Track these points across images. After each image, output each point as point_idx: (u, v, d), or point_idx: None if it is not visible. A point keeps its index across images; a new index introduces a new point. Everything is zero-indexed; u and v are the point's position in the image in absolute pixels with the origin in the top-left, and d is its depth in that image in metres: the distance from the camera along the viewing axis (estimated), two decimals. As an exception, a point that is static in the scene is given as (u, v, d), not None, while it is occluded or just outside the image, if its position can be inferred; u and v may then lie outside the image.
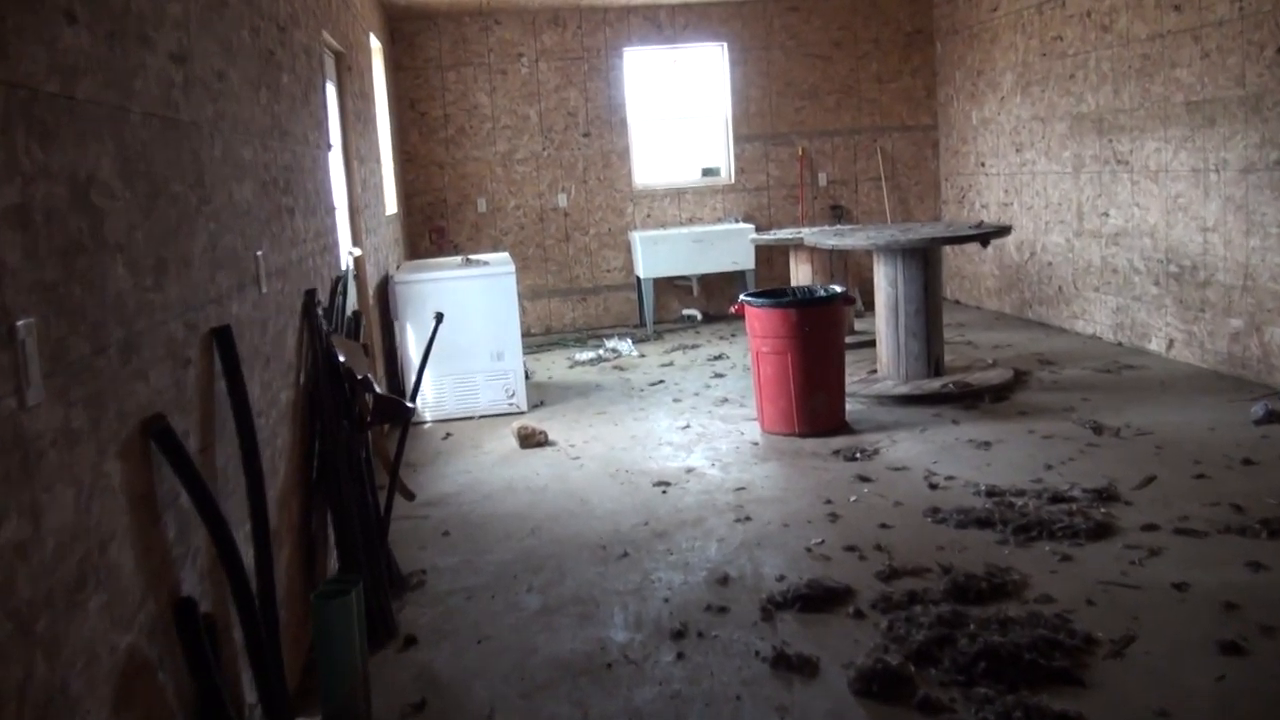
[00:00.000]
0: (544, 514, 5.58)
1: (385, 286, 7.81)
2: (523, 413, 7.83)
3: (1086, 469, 5.68)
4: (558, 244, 11.53)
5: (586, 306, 11.66)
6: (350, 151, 7.01)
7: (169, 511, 2.53)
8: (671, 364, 9.30)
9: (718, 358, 9.39)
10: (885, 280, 7.61)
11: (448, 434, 7.40)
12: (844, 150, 11.89)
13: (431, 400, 7.75)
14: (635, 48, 11.50)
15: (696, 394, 8.08)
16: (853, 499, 5.44)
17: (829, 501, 5.43)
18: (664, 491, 5.80)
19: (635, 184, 11.66)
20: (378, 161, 8.50)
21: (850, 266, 9.90)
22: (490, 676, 3.84)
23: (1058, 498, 5.23)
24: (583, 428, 7.31)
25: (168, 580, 2.48)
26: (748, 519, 5.27)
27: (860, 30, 11.76)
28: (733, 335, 10.55)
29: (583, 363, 9.59)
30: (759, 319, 6.67)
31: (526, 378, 8.77)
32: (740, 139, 11.72)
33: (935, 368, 7.68)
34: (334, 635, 3.29)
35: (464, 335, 7.68)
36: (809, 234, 8.23)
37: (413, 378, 7.51)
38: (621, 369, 9.25)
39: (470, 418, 7.78)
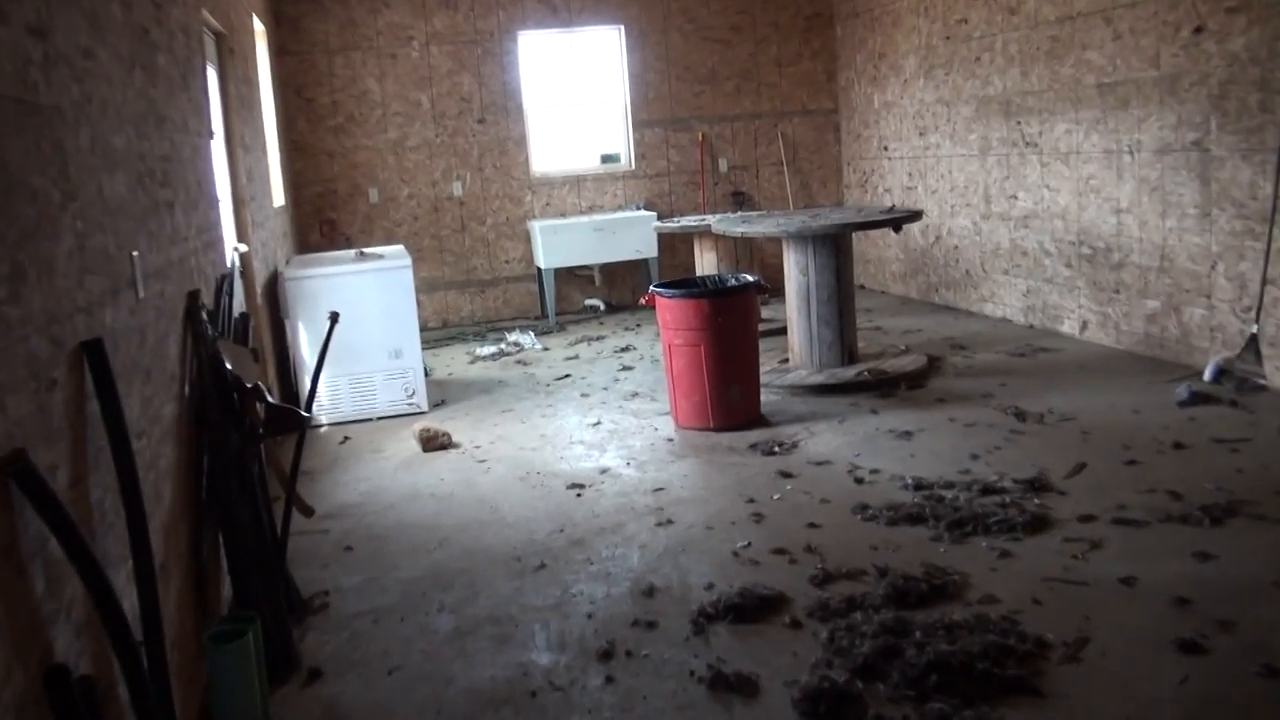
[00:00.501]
0: (452, 523, 5.26)
1: (274, 283, 7.40)
2: (424, 413, 7.48)
3: (1014, 458, 5.53)
4: (454, 234, 11.16)
5: (485, 299, 11.31)
6: (234, 140, 6.59)
7: (36, 561, 2.18)
8: (577, 357, 9.01)
9: (624, 349, 9.12)
10: (796, 268, 7.40)
11: (345, 438, 7.03)
12: (745, 135, 11.68)
13: (327, 402, 7.36)
14: (530, 31, 11.16)
15: (605, 388, 7.80)
16: (776, 497, 5.22)
17: (752, 500, 5.19)
18: (579, 495, 5.52)
19: (533, 172, 11.33)
20: (264, 151, 8.06)
21: (755, 253, 9.70)
22: (404, 712, 3.52)
23: (989, 489, 5.07)
24: (488, 427, 7.00)
25: (38, 644, 2.13)
26: (669, 522, 5.01)
27: (759, 14, 11.56)
28: (638, 325, 10.30)
29: (484, 358, 9.26)
30: (670, 311, 6.41)
31: (426, 375, 8.40)
32: (639, 124, 11.45)
33: (849, 356, 7.50)
34: (231, 681, 2.96)
35: (359, 333, 7.30)
36: (716, 221, 7.99)
37: (307, 381, 7.14)
38: (525, 364, 8.94)
39: (369, 419, 7.41)
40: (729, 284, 6.74)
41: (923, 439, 5.98)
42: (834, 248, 7.33)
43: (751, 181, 11.74)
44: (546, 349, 9.47)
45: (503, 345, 9.50)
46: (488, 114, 11.08)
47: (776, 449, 6.00)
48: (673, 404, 6.64)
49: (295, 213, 10.54)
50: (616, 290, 11.56)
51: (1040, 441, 5.80)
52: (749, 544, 4.66)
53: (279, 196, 9.34)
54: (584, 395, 7.63)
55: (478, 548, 4.90)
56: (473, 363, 9.17)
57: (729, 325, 6.34)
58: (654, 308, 6.62)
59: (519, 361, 9.02)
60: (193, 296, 4.30)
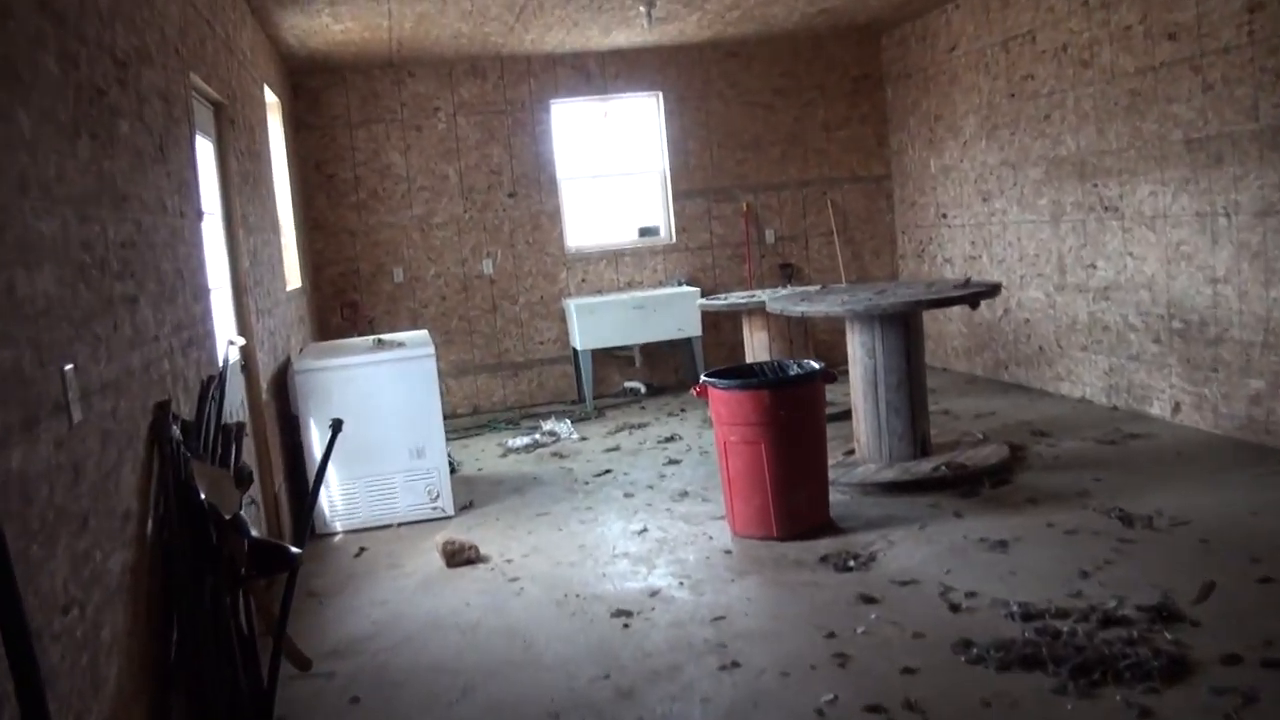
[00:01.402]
0: (477, 664, 4.47)
1: (284, 376, 6.69)
2: (449, 517, 6.73)
3: (1129, 575, 4.71)
4: (484, 315, 10.47)
5: (519, 383, 10.59)
6: (235, 219, 5.92)
7: None
8: (618, 448, 8.25)
9: (669, 439, 8.35)
10: (861, 349, 6.64)
11: (361, 549, 6.28)
12: (792, 204, 10.98)
13: (342, 508, 6.62)
14: (563, 100, 10.54)
15: (650, 486, 7.02)
16: (860, 630, 4.40)
17: (831, 635, 4.38)
18: (625, 625, 4.72)
19: (568, 247, 10.66)
20: (275, 231, 7.41)
21: (810, 331, 8.95)
22: None
23: (1109, 619, 4.25)
24: (520, 535, 6.23)
25: None
26: (734, 664, 4.20)
27: (804, 77, 10.90)
28: (682, 410, 9.53)
29: (517, 450, 8.51)
30: (726, 404, 5.65)
31: (453, 471, 7.69)
32: (680, 195, 10.77)
33: (922, 447, 6.71)
34: None
35: (377, 430, 6.58)
36: (771, 300, 7.25)
37: (320, 488, 6.40)
38: (561, 456, 8.18)
39: (388, 526, 6.66)
40: (791, 372, 5.98)
41: (1020, 551, 5.17)
42: (903, 328, 6.58)
43: (800, 253, 11.02)
44: (584, 439, 8.71)
45: (537, 436, 8.75)
46: (519, 187, 10.43)
47: (852, 563, 5.20)
48: (729, 509, 5.85)
49: (314, 296, 9.88)
50: (658, 372, 10.82)
51: (1155, 553, 4.97)
52: (835, 698, 3.85)
53: (294, 279, 8.69)
54: (627, 495, 6.86)
55: (507, 700, 4.11)
56: (504, 455, 8.43)
57: (794, 420, 5.58)
58: (705, 399, 5.86)
59: (555, 454, 8.26)
60: (161, 409, 3.59)
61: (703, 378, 5.83)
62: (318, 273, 10.10)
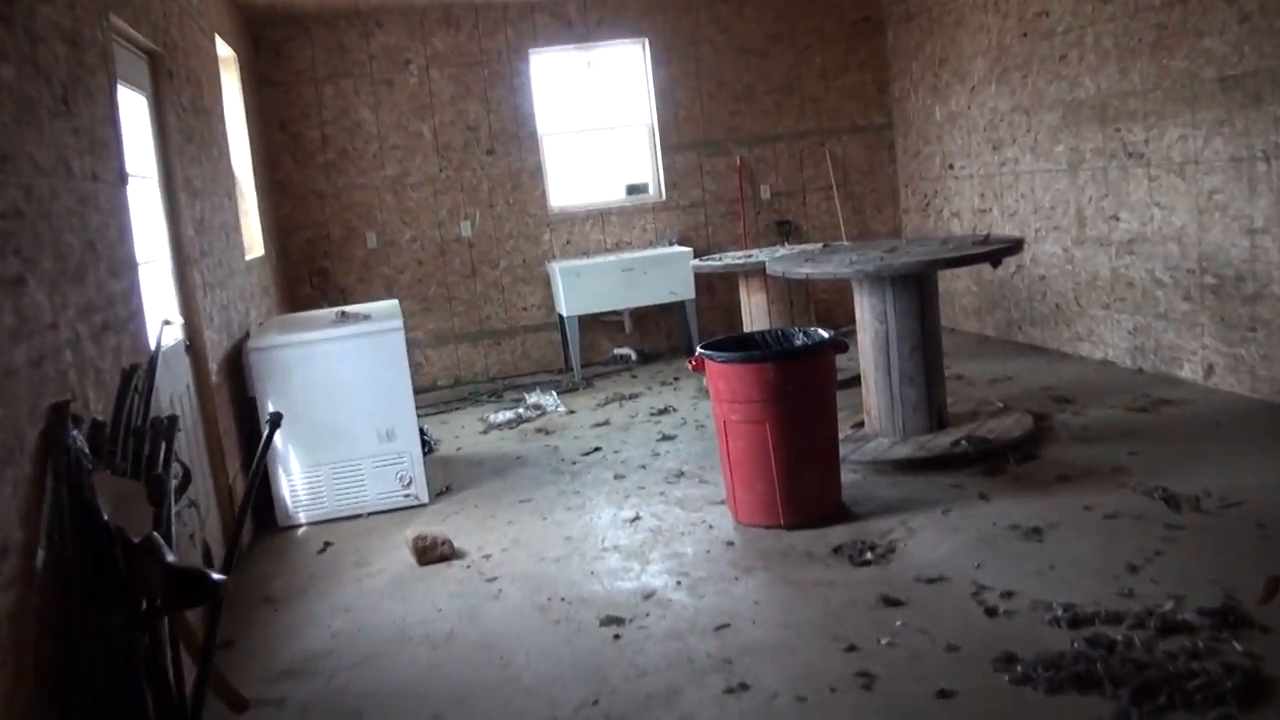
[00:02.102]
0: (448, 687, 3.91)
1: (240, 354, 6.09)
2: (423, 505, 6.16)
3: (1183, 569, 4.16)
4: (463, 280, 9.86)
5: (501, 352, 10.00)
6: (175, 183, 5.31)
7: None
8: (607, 423, 7.67)
9: (662, 411, 7.77)
10: (871, 314, 6.07)
11: (326, 544, 5.71)
12: (788, 157, 10.36)
13: (305, 498, 6.05)
14: (542, 49, 9.88)
15: (643, 466, 6.45)
16: (885, 641, 3.84)
17: (852, 648, 3.82)
18: (616, 636, 4.16)
19: (551, 206, 10.04)
20: (229, 195, 6.79)
21: (811, 292, 8.36)
22: None
23: (1168, 625, 3.70)
24: (500, 526, 5.66)
25: None
26: (743, 686, 3.64)
27: (799, 21, 10.25)
28: (676, 379, 8.95)
29: (499, 425, 7.93)
30: (725, 379, 5.07)
31: (430, 451, 7.14)
32: (669, 150, 10.14)
33: (938, 419, 6.15)
34: None
35: (342, 412, 6.01)
36: (772, 261, 6.64)
37: (284, 478, 5.86)
38: (547, 432, 7.60)
39: (357, 516, 6.09)
40: (798, 342, 5.39)
41: (1057, 540, 4.61)
42: (917, 290, 6.00)
43: (798, 209, 10.41)
44: (572, 412, 8.13)
45: (521, 410, 8.17)
46: (498, 144, 9.80)
47: (869, 556, 4.64)
48: (730, 495, 5.28)
49: (282, 263, 9.27)
50: (650, 337, 10.23)
51: (1208, 541, 4.42)
52: (862, 730, 3.30)
53: (257, 246, 8.08)
54: (618, 476, 6.29)
55: (480, 734, 3.56)
56: (486, 432, 7.85)
57: (801, 396, 5.00)
58: (701, 373, 5.28)
59: (540, 430, 7.68)
60: (58, 411, 3.00)
61: (698, 349, 5.24)
62: (285, 239, 9.49)
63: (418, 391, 9.54)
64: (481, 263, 9.86)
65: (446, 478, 6.67)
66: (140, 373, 3.90)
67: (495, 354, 9.97)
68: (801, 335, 5.43)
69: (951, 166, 9.64)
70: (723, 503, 5.49)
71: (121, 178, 4.20)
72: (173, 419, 4.00)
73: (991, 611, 3.97)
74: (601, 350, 10.15)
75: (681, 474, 6.19)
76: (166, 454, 3.81)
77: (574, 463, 6.71)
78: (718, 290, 10.14)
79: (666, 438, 7.02)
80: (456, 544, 5.34)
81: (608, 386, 9.02)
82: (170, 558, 2.97)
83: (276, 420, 3.71)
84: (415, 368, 9.71)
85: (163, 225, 5.20)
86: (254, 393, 5.97)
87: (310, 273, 9.50)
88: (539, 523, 5.64)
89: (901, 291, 5.98)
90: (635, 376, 9.33)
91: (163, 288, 5.14)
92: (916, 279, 5.98)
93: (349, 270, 9.63)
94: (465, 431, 7.95)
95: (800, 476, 5.05)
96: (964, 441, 5.86)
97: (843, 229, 10.37)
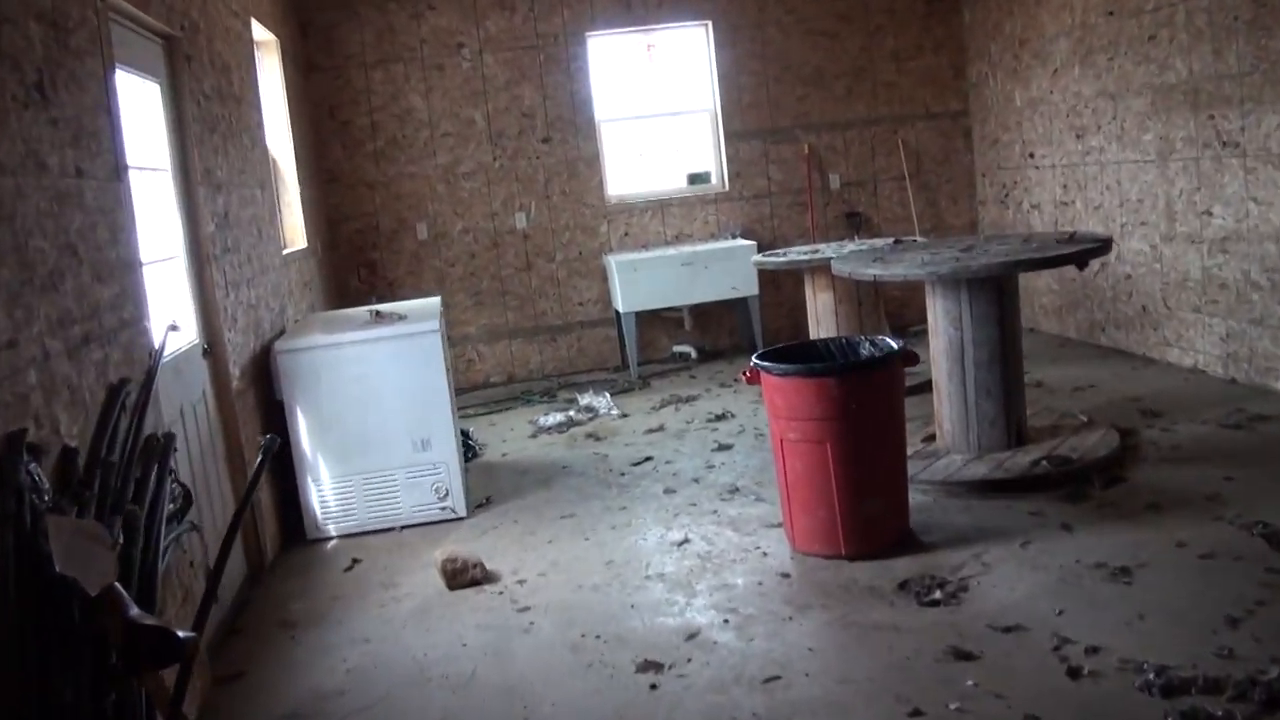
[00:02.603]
0: (464, 743, 3.52)
1: (268, 356, 5.73)
2: (460, 519, 5.78)
3: (1293, 625, 3.66)
4: (518, 274, 9.48)
5: (556, 348, 9.60)
6: (192, 176, 4.96)
7: None
8: (661, 428, 7.24)
9: (720, 417, 7.33)
10: (945, 319, 5.58)
11: (354, 561, 5.35)
12: (859, 145, 9.84)
13: (336, 509, 5.69)
14: (601, 32, 9.45)
15: (696, 479, 6.02)
16: (954, 707, 3.38)
17: (917, 713, 3.36)
18: (653, 686, 3.74)
19: (609, 197, 9.62)
20: (262, 186, 6.44)
21: (881, 289, 7.86)
22: None
23: (1274, 698, 3.19)
24: (539, 545, 5.26)
25: None
26: (791, 756, 3.21)
27: (871, 0, 9.72)
28: (736, 381, 8.50)
29: (549, 429, 7.53)
30: (783, 394, 4.62)
31: (474, 456, 6.78)
32: (733, 137, 9.67)
33: (1016, 434, 5.65)
34: None
35: (375, 419, 5.64)
36: (838, 259, 6.16)
37: (313, 488, 5.52)
38: (597, 438, 7.19)
39: (390, 530, 5.73)
40: (864, 353, 4.93)
41: (1148, 582, 4.11)
42: (996, 293, 5.50)
43: (868, 200, 9.89)
44: (625, 416, 7.72)
45: (572, 412, 7.77)
46: (554, 131, 9.39)
47: (938, 594, 4.17)
48: (787, 519, 4.83)
49: (330, 256, 8.94)
50: (710, 334, 9.79)
51: (1321, 590, 3.91)
52: (927, 824, 2.85)
53: (299, 238, 7.75)
54: (668, 491, 5.87)
55: (492, 806, 3.15)
56: (534, 436, 7.45)
57: (867, 414, 4.53)
58: (757, 385, 4.83)
59: (590, 435, 7.28)
60: (11, 444, 2.64)
61: (753, 360, 4.79)
62: (333, 230, 9.17)
63: (468, 389, 9.24)
64: (536, 255, 9.47)
65: (487, 488, 6.29)
66: (130, 387, 3.54)
67: (550, 351, 9.59)
68: (868, 345, 4.96)
69: (1032, 156, 9.08)
70: (779, 525, 5.04)
71: (117, 171, 3.84)
72: (169, 437, 3.65)
73: (1075, 672, 3.49)
74: (660, 347, 9.73)
75: (736, 490, 5.75)
76: (159, 476, 3.45)
77: (623, 474, 6.29)
78: (783, 286, 9.67)
79: (723, 447, 6.58)
80: (490, 565, 4.95)
81: (665, 387, 8.60)
82: (133, 612, 2.59)
83: (271, 446, 3.32)
84: (466, 364, 9.37)
85: (178, 221, 4.85)
86: (280, 397, 5.62)
87: (358, 265, 9.17)
88: (580, 543, 5.23)
89: (979, 295, 5.49)
90: (694, 376, 8.89)
91: (177, 288, 4.79)
92: (995, 282, 5.48)
93: (398, 263, 9.29)
94: (513, 435, 7.57)
95: (865, 502, 4.59)
96: (1045, 462, 5.36)
97: (915, 222, 9.84)
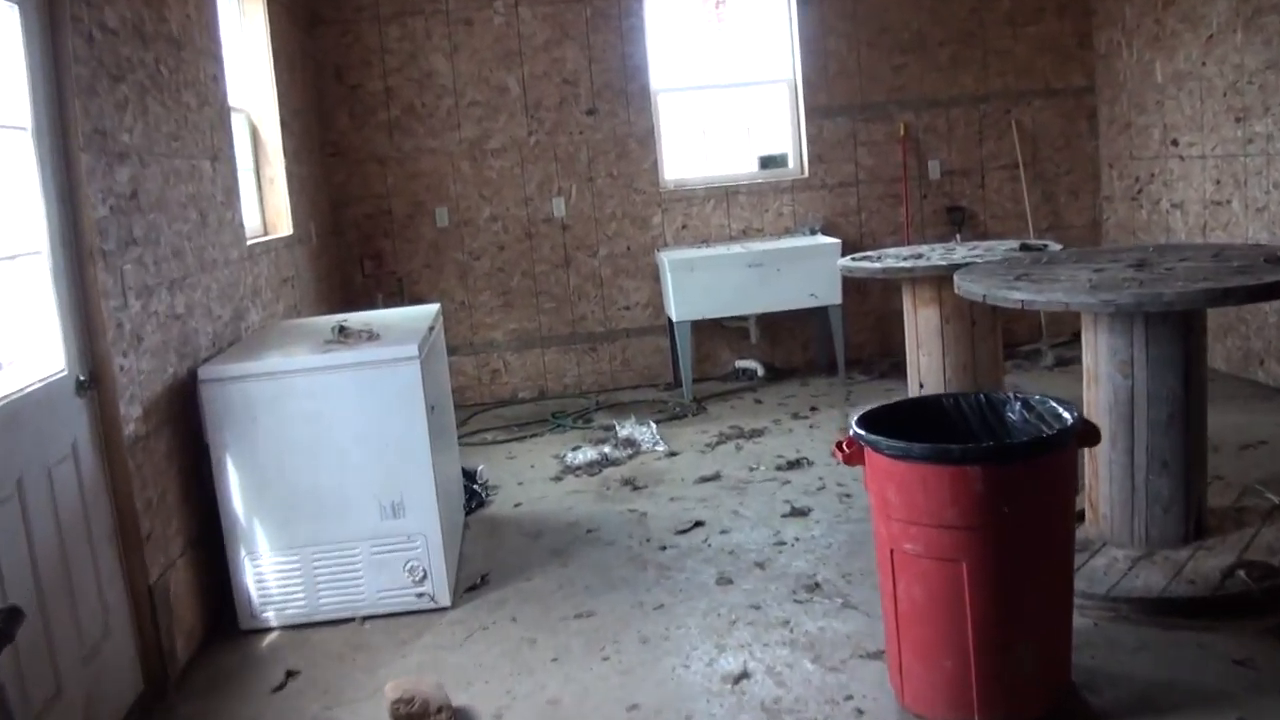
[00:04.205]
0: None
1: (196, 386, 4.28)
2: (442, 609, 4.32)
3: None
4: (553, 270, 8.01)
5: (597, 360, 8.13)
6: (71, 139, 3.53)
7: None
8: (717, 476, 5.74)
9: (793, 464, 5.81)
10: (1111, 363, 4.03)
11: (288, 675, 3.89)
12: (964, 127, 8.26)
13: (277, 592, 4.26)
14: (661, -15, 7.97)
15: (760, 563, 4.51)
16: None
17: None
18: None
19: (665, 181, 8.12)
20: (213, 158, 5.01)
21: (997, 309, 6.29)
22: None
23: None
24: (540, 664, 3.78)
25: None
26: None
27: (984, -46, 8.15)
28: (812, 410, 6.98)
29: (577, 469, 6.06)
30: (900, 485, 3.09)
31: (479, 504, 5.38)
32: (815, 113, 8.11)
33: (1195, 526, 4.10)
34: None
35: (330, 474, 4.19)
36: (964, 278, 4.53)
37: (245, 562, 4.10)
38: (636, 485, 5.70)
39: (349, 620, 4.28)
40: (1013, 420, 3.39)
41: None
42: (1183, 331, 3.95)
43: (974, 192, 8.31)
44: (673, 454, 6.23)
45: (607, 448, 6.28)
46: (601, 101, 7.89)
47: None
48: (894, 662, 3.29)
49: (331, 244, 7.53)
50: (781, 349, 8.26)
51: None
52: None
53: (283, 223, 6.36)
54: (723, 580, 4.37)
55: None
56: (559, 477, 5.98)
57: (1027, 522, 3.00)
58: (857, 464, 3.29)
59: (627, 481, 5.79)
60: None
61: (853, 428, 3.25)
62: (337, 213, 7.75)
63: (493, 405, 7.80)
64: (577, 249, 7.99)
65: (486, 558, 4.83)
66: None
67: (590, 362, 8.11)
68: (1019, 407, 3.41)
69: (1175, 143, 7.44)
70: (879, 655, 3.54)
71: None
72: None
73: None
74: (720, 361, 8.22)
75: (816, 585, 4.22)
76: None
77: (664, 547, 4.79)
78: (869, 292, 8.13)
79: (796, 511, 5.06)
80: (464, 700, 3.49)
81: (724, 414, 7.09)
82: None
83: (10, 621, 1.87)
84: (491, 376, 7.94)
85: (40, 201, 3.42)
86: (210, 443, 4.18)
87: (362, 256, 7.74)
88: (597, 664, 3.74)
89: (1159, 333, 3.94)
90: (760, 402, 7.37)
91: (38, 297, 3.38)
92: (1183, 317, 3.93)
93: (413, 254, 7.86)
94: (533, 474, 6.10)
95: (1012, 649, 3.06)
96: (1240, 572, 3.80)
97: (1030, 220, 8.25)
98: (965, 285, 4.27)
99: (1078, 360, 7.79)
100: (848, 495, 5.19)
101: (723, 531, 4.90)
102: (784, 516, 5.01)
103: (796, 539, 4.71)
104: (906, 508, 3.05)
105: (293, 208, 6.53)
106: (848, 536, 4.67)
